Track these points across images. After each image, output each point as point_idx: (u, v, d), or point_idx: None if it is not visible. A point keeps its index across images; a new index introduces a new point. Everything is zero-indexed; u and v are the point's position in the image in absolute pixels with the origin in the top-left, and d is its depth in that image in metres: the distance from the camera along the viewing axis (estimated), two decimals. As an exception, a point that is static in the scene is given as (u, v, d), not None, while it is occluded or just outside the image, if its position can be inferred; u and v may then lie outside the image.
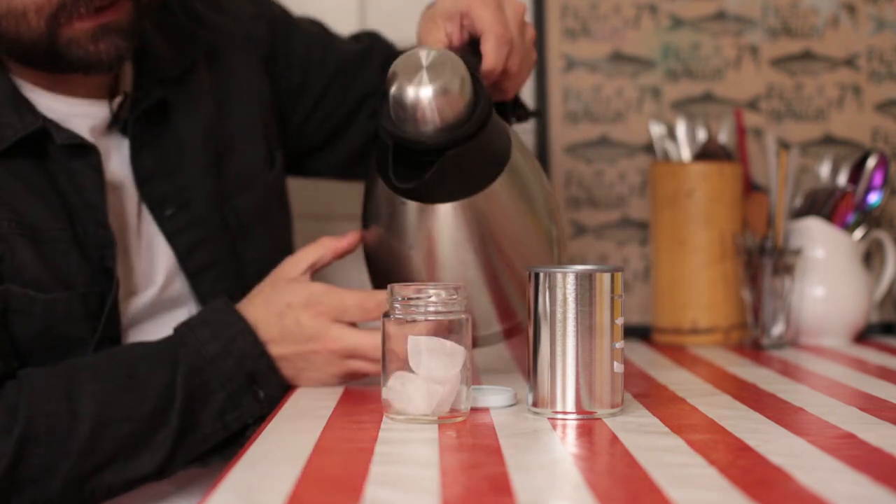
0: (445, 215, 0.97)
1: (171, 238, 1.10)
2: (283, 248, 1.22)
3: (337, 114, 1.30)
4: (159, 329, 1.08)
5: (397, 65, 0.94)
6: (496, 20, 1.01)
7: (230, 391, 1.02)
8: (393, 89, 0.93)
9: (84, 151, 1.02)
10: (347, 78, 1.30)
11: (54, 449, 0.95)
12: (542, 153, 1.50)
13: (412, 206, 0.97)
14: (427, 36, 1.03)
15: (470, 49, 1.02)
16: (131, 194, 1.09)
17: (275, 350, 1.03)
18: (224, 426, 1.02)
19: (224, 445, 1.03)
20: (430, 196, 0.96)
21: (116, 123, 1.08)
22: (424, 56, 0.93)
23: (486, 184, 0.97)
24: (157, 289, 1.09)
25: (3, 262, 0.98)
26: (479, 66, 1.00)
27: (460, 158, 0.94)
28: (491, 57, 1.01)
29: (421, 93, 0.92)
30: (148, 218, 1.10)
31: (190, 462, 1.02)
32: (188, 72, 1.14)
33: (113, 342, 1.04)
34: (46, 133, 1.01)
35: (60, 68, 1.01)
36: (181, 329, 1.03)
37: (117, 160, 1.08)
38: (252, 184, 1.17)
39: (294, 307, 1.03)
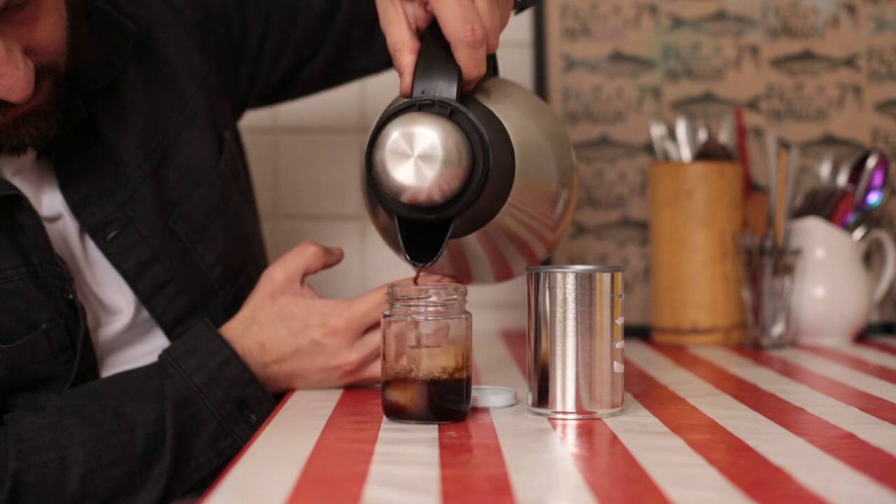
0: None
1: (117, 262, 1.04)
2: (245, 231, 1.16)
3: (292, 42, 1.22)
4: (138, 356, 1.05)
5: (382, 149, 0.84)
6: (460, 19, 0.86)
7: (221, 419, 1.00)
8: (383, 178, 0.85)
9: (15, 200, 0.97)
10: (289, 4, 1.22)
11: (46, 501, 0.93)
12: (542, 153, 1.50)
13: None
14: (388, 25, 0.90)
15: (438, 31, 0.90)
16: (71, 223, 1.03)
17: (285, 368, 1.02)
18: (218, 454, 1.00)
19: (220, 472, 1.01)
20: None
21: (42, 153, 1.02)
22: (409, 143, 0.84)
23: (495, 213, 0.91)
24: (129, 316, 1.05)
25: None
26: (461, 74, 0.88)
27: (468, 210, 0.88)
28: (471, 69, 0.88)
29: (417, 186, 0.84)
30: (93, 244, 1.04)
31: (187, 492, 1.00)
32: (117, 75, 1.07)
33: (90, 373, 1.01)
34: None
35: None
36: (165, 359, 1.01)
37: (51, 189, 1.03)
38: (201, 182, 1.10)
39: (311, 327, 1.01)
